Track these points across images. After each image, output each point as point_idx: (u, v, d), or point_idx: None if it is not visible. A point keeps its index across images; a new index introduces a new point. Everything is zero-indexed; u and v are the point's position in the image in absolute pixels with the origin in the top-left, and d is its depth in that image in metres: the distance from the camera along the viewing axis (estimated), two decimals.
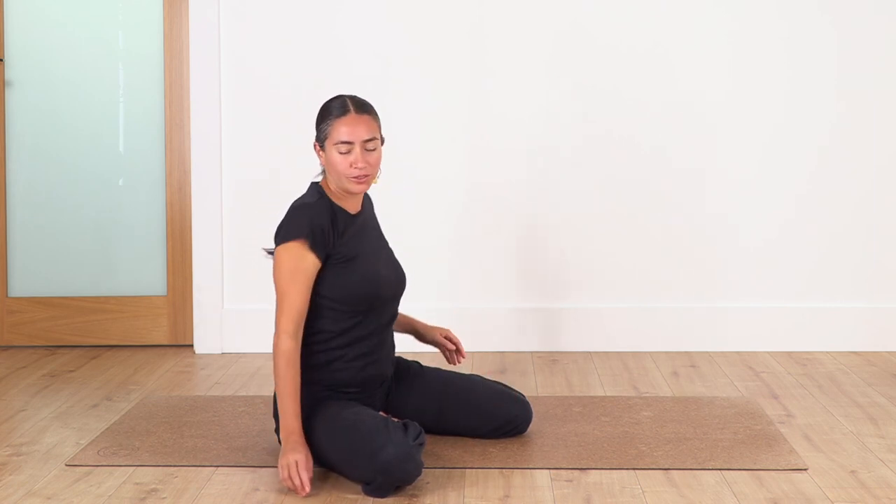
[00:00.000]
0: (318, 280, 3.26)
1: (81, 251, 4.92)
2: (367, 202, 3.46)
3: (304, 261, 3.21)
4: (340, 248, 3.27)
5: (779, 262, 4.79)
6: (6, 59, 4.87)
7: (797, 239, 4.78)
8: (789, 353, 4.73)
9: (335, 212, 3.28)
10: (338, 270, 3.26)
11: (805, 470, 3.24)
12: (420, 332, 3.64)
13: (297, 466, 3.06)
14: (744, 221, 4.78)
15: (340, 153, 3.25)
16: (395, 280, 3.40)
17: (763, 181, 4.77)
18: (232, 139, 4.80)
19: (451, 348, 3.61)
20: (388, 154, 4.50)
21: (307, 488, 3.04)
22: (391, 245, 3.56)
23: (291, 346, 3.17)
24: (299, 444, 3.11)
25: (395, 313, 3.43)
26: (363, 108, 3.29)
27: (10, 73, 4.89)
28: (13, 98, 4.89)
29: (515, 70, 4.76)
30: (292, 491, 3.07)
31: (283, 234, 3.23)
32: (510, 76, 4.76)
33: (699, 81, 4.75)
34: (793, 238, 4.78)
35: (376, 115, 3.32)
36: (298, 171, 4.71)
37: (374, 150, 3.28)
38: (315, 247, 3.21)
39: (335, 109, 3.28)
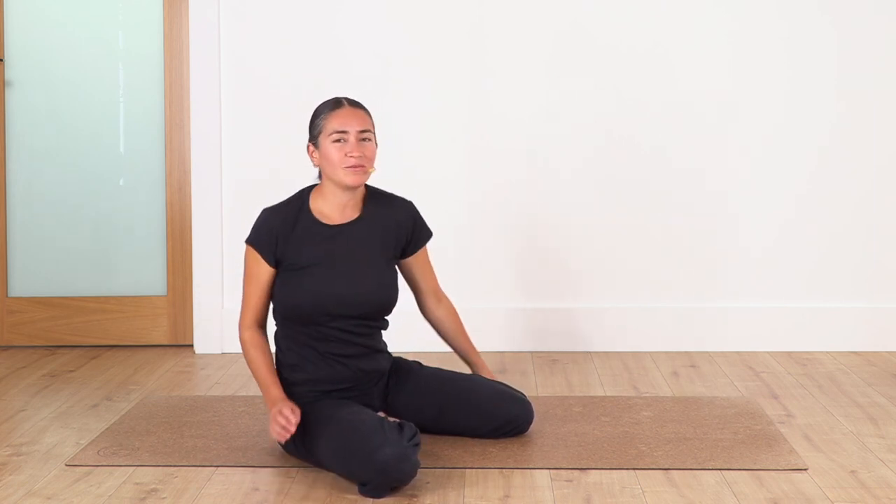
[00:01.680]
0: (274, 285, 3.41)
1: (81, 251, 4.92)
2: (379, 221, 3.41)
3: (258, 265, 3.38)
4: (288, 255, 3.34)
5: (779, 262, 4.79)
6: (6, 59, 4.88)
7: (797, 239, 4.78)
8: (789, 353, 4.73)
9: (299, 217, 3.35)
10: (284, 279, 3.35)
11: (805, 470, 3.24)
12: (471, 368, 3.71)
13: (281, 413, 3.17)
14: (744, 221, 4.78)
15: (334, 142, 3.29)
16: (353, 299, 3.33)
17: (763, 181, 4.77)
18: (232, 139, 4.80)
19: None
20: (387, 154, 4.50)
21: (293, 421, 3.15)
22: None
23: (251, 334, 3.40)
24: (276, 400, 3.25)
25: (367, 333, 3.40)
26: (356, 103, 3.37)
27: (10, 73, 4.89)
28: (13, 98, 4.89)
29: (515, 70, 4.76)
30: (283, 434, 3.16)
31: (248, 236, 3.42)
32: (510, 76, 4.76)
33: (699, 81, 4.75)
34: (793, 238, 4.78)
35: (370, 114, 3.38)
36: (298, 171, 4.72)
37: (368, 141, 3.31)
38: (262, 252, 3.36)
39: (328, 105, 3.36)
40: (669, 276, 4.80)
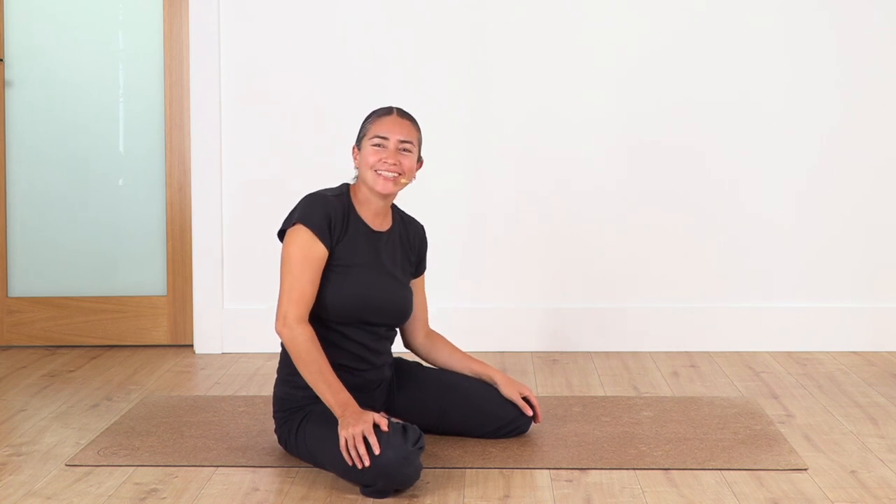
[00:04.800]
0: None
1: (81, 251, 4.92)
2: (405, 237, 3.44)
3: (313, 249, 3.22)
4: (340, 250, 3.27)
5: (779, 263, 4.79)
6: (6, 59, 4.88)
7: (797, 239, 4.78)
8: (789, 353, 4.73)
9: (350, 213, 3.31)
10: (330, 275, 3.27)
11: (805, 470, 3.24)
12: (498, 385, 3.53)
13: (361, 436, 2.98)
14: (743, 221, 4.78)
15: (374, 146, 3.30)
16: (387, 308, 3.34)
17: (763, 181, 4.77)
18: (232, 139, 4.80)
19: (528, 413, 3.51)
20: None
21: (377, 450, 2.96)
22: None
23: (308, 330, 3.17)
24: (363, 412, 3.04)
25: (386, 338, 3.40)
26: (405, 114, 3.37)
27: (10, 73, 4.89)
28: (13, 98, 4.89)
29: (517, 69, 4.76)
30: (355, 461, 2.97)
31: (296, 217, 3.25)
32: (512, 76, 4.76)
33: (701, 83, 4.74)
34: (793, 238, 4.78)
35: (418, 127, 3.38)
36: (298, 171, 4.73)
37: (408, 153, 3.32)
38: (320, 233, 3.22)
39: (379, 112, 3.37)
40: (669, 276, 4.80)
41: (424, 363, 3.63)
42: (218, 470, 3.27)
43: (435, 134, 4.77)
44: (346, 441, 3.00)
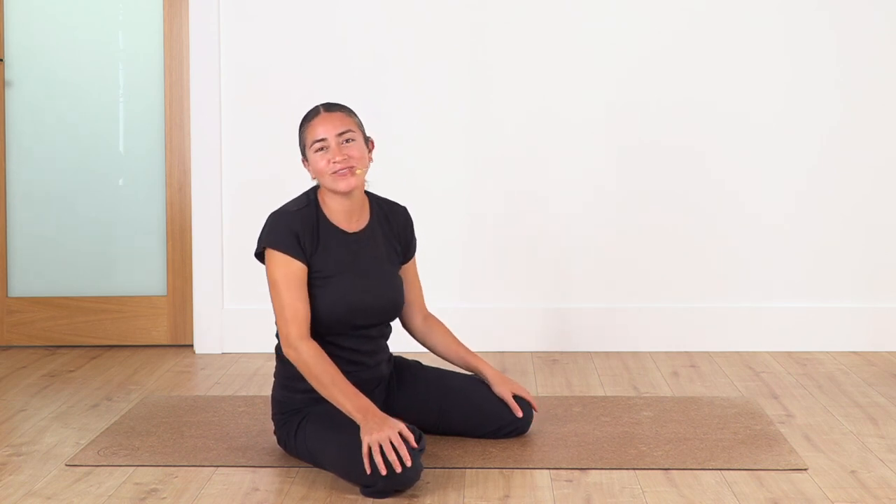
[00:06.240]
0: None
1: (81, 251, 4.92)
2: (387, 227, 3.42)
3: (290, 267, 3.23)
4: (316, 262, 3.27)
5: (779, 262, 4.79)
6: (6, 59, 4.88)
7: (797, 239, 4.78)
8: (789, 353, 4.73)
9: (319, 224, 3.29)
10: (310, 290, 3.27)
11: (805, 470, 3.24)
12: (490, 383, 3.52)
13: (389, 442, 2.98)
14: (743, 221, 4.78)
15: (317, 152, 3.28)
16: (373, 309, 3.33)
17: (763, 181, 4.77)
18: (232, 139, 4.80)
19: (518, 413, 3.47)
20: (388, 154, 4.51)
21: (408, 462, 2.97)
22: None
23: (311, 345, 3.19)
24: (386, 417, 3.05)
25: (380, 337, 3.40)
26: (333, 107, 3.33)
27: (10, 73, 4.89)
28: (13, 98, 4.89)
29: (517, 69, 4.76)
30: (379, 468, 2.95)
31: (263, 241, 3.27)
32: (512, 76, 4.76)
33: (700, 83, 4.74)
34: (793, 238, 4.78)
35: (351, 112, 3.35)
36: (298, 171, 4.71)
37: (351, 142, 3.28)
38: (291, 252, 3.23)
39: (307, 117, 3.34)
40: (669, 276, 4.80)
41: (424, 358, 3.63)
42: (218, 470, 3.27)
43: (435, 134, 4.78)
44: (371, 447, 2.98)
